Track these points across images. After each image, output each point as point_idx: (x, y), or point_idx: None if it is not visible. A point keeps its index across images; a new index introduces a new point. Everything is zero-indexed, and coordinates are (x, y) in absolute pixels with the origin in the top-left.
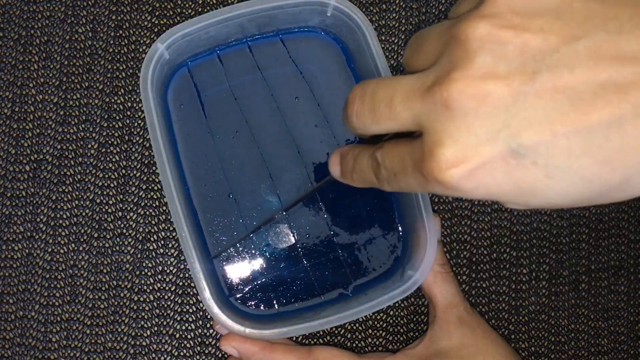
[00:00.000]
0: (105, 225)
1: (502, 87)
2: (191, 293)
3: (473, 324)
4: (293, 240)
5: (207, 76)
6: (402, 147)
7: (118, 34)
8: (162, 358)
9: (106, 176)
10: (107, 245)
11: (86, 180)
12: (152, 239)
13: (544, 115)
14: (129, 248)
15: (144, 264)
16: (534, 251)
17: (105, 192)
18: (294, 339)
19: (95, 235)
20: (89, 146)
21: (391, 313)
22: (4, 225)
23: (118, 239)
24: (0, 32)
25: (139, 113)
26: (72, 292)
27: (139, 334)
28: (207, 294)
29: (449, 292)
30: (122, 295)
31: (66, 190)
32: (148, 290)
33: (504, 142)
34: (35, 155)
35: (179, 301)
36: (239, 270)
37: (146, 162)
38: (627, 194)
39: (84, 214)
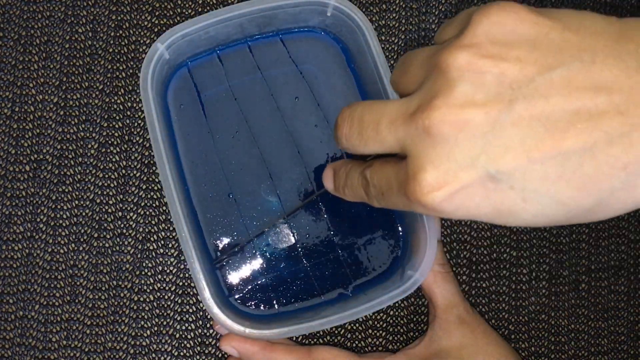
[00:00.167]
0: (105, 225)
1: (481, 115)
2: (191, 293)
3: (473, 323)
4: (293, 240)
5: (207, 76)
6: (388, 168)
7: (118, 34)
8: (162, 358)
9: (106, 176)
10: (107, 245)
11: (86, 180)
12: (152, 239)
13: (520, 142)
14: (129, 248)
15: (144, 264)
16: (534, 251)
17: (105, 192)
18: (294, 339)
19: (95, 235)
20: (89, 146)
21: (391, 313)
22: (4, 225)
23: (118, 239)
24: (0, 32)
25: (139, 113)
26: (72, 292)
27: (139, 334)
28: (207, 294)
29: (449, 292)
30: (122, 295)
31: (66, 190)
32: (148, 290)
33: (482, 167)
34: (35, 155)
35: (179, 301)
36: (238, 270)
37: (146, 162)
38: (600, 216)
39: (84, 214)
